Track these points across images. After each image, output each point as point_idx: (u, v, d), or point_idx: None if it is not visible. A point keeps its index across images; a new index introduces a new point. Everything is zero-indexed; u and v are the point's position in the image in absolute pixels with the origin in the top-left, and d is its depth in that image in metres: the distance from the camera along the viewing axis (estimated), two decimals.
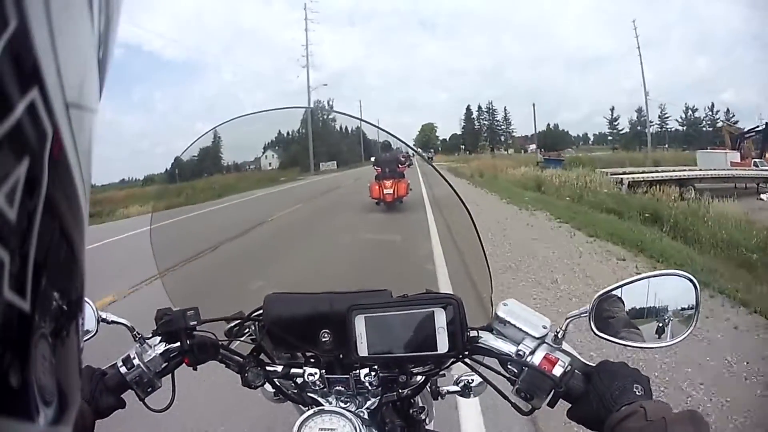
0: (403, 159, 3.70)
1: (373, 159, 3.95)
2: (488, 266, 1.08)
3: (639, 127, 46.15)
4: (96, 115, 0.26)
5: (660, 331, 0.88)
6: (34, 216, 0.21)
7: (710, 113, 44.72)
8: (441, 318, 0.89)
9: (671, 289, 0.89)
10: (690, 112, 44.75)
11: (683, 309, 0.88)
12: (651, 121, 44.47)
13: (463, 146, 51.64)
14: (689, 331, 0.88)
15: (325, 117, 36.48)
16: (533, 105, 46.61)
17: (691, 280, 0.87)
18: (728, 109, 42.01)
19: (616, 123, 48.39)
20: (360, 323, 0.92)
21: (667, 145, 42.84)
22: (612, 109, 48.40)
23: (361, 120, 1.50)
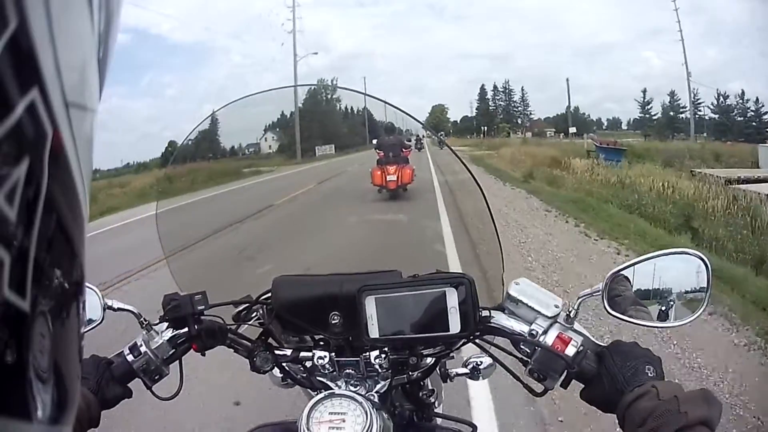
0: (408, 143, 3.63)
1: (375, 142, 3.82)
2: (500, 245, 1.10)
3: (671, 113, 43.55)
4: (96, 115, 0.27)
5: (667, 310, 0.91)
6: (34, 216, 0.22)
7: (740, 101, 42.14)
8: (453, 298, 0.91)
9: (682, 269, 0.90)
10: (722, 99, 41.96)
11: (694, 289, 0.90)
12: (684, 107, 41.23)
13: (484, 127, 49.66)
14: (701, 311, 0.90)
15: (329, 96, 35.22)
16: (567, 80, 43.49)
17: (703, 260, 0.88)
18: (758, 99, 39.53)
19: (648, 107, 44.90)
20: (371, 304, 0.94)
21: (705, 134, 39.42)
22: (644, 92, 45.10)
23: (365, 95, 1.51)
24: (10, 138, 0.20)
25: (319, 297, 1.06)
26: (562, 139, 40.58)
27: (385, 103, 1.29)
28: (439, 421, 1.13)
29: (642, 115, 44.97)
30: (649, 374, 0.82)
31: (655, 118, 44.05)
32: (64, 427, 0.26)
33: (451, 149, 1.30)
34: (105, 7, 0.26)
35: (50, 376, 0.24)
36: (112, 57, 0.29)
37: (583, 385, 0.91)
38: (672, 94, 42.31)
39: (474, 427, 1.11)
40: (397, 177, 3.83)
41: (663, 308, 0.90)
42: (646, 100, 44.40)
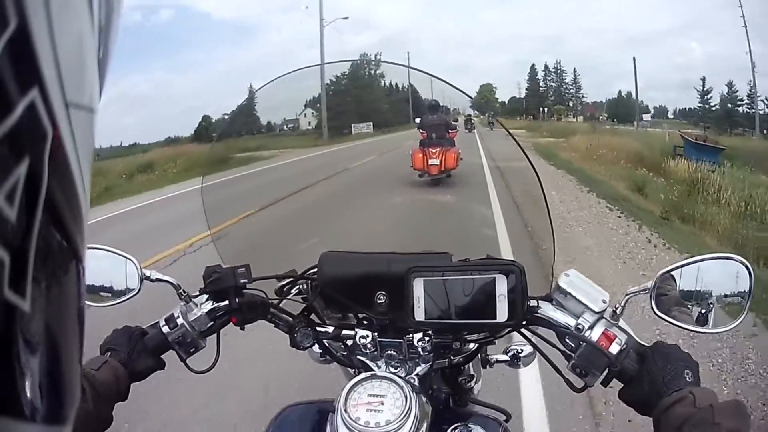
0: (454, 123, 3.45)
1: (417, 121, 3.61)
2: (553, 234, 1.11)
3: (729, 105, 40.85)
4: (96, 114, 0.27)
5: (707, 314, 0.91)
6: (34, 216, 0.22)
7: None
8: (502, 285, 0.92)
9: (725, 274, 0.91)
10: None
11: (731, 295, 0.91)
12: (742, 99, 38.91)
13: (543, 109, 47.89)
14: (742, 317, 0.91)
15: (372, 72, 34.68)
16: (633, 59, 39.67)
17: (746, 267, 0.89)
18: None
19: (708, 97, 42.66)
20: (419, 286, 0.95)
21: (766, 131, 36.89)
22: (704, 80, 42.32)
23: (408, 67, 1.46)
24: (10, 138, 0.20)
25: (366, 275, 1.07)
26: (620, 126, 38.12)
27: (430, 75, 1.26)
28: (474, 406, 1.14)
29: (701, 105, 42.22)
30: (687, 379, 0.84)
31: (713, 109, 41.57)
32: (63, 427, 0.26)
33: (509, 132, 1.29)
34: (105, 7, 0.27)
35: (49, 375, 0.25)
36: (112, 57, 0.29)
37: (621, 384, 0.92)
38: (730, 84, 39.41)
39: (508, 416, 1.12)
40: (441, 161, 3.70)
41: (702, 311, 0.92)
42: (705, 89, 41.51)
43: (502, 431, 1.04)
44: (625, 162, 17.22)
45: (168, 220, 9.23)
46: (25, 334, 0.22)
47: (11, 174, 0.21)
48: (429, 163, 3.61)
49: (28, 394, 0.23)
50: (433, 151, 3.66)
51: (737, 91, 38.52)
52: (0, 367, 0.21)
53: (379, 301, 1.05)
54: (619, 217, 8.53)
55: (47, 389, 0.25)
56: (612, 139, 23.54)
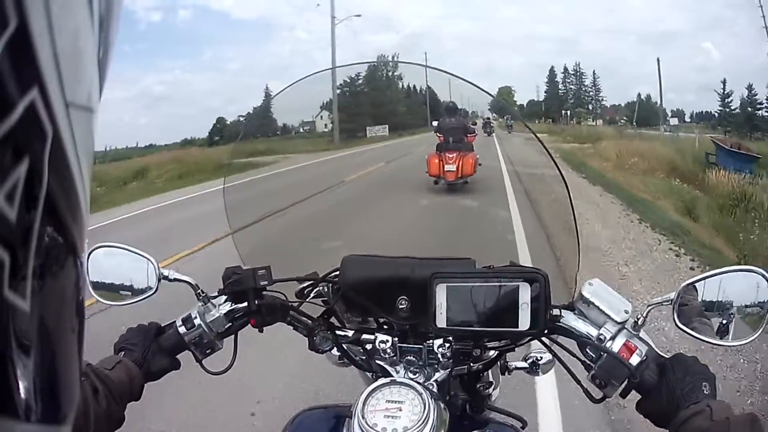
0: (472, 127, 3.33)
1: (435, 124, 3.52)
2: (578, 242, 1.11)
3: (749, 108, 39.62)
4: (96, 115, 0.28)
5: (728, 327, 0.91)
6: (34, 216, 0.22)
7: None
8: (526, 293, 0.92)
9: (747, 286, 0.90)
10: None
11: (751, 306, 0.90)
12: (762, 103, 37.61)
13: (567, 112, 47.20)
14: (760, 329, 0.90)
15: (389, 74, 34.55)
16: (657, 60, 39.84)
17: (767, 279, 0.88)
18: None
19: (728, 100, 41.67)
20: (442, 292, 0.95)
21: None
22: (724, 83, 41.14)
23: (426, 66, 1.47)
24: (10, 138, 0.20)
25: (388, 279, 1.07)
26: (642, 130, 36.37)
27: (448, 73, 1.25)
28: (491, 414, 1.13)
29: (721, 108, 41.10)
30: (705, 392, 0.84)
31: (734, 112, 40.44)
32: (62, 427, 0.26)
33: (537, 136, 1.26)
34: (105, 7, 0.27)
35: (48, 375, 0.25)
36: (112, 57, 0.30)
37: (639, 396, 0.92)
38: (750, 87, 38.32)
39: (524, 423, 1.12)
40: (458, 167, 3.55)
41: (723, 322, 0.91)
42: (726, 92, 40.50)
43: None
44: (659, 172, 15.64)
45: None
46: (24, 334, 0.22)
47: (11, 174, 0.21)
48: (445, 169, 3.48)
49: (25, 394, 0.23)
50: (450, 156, 3.54)
51: (756, 94, 37.39)
52: (1, 369, 0.21)
53: (400, 306, 1.05)
54: (693, 268, 6.10)
55: (45, 389, 0.25)
56: (641, 145, 21.57)
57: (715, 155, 18.38)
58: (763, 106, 36.58)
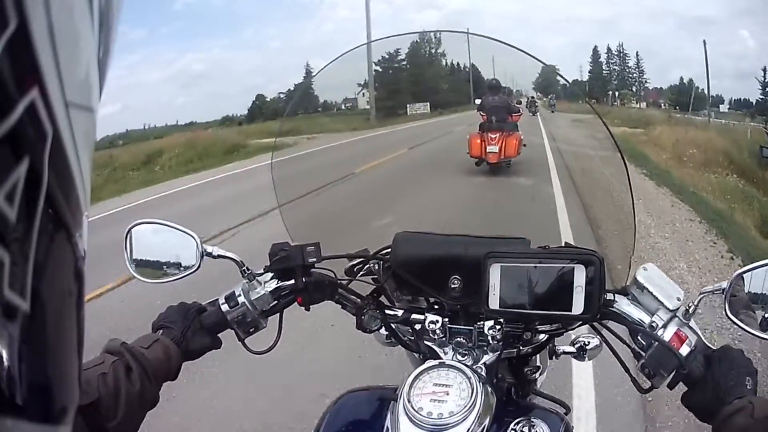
0: (517, 106, 3.19)
1: (478, 102, 3.47)
2: (635, 226, 1.09)
3: None
4: (96, 114, 0.28)
5: (767, 320, 0.89)
6: (34, 216, 0.23)
7: None
8: (581, 276, 0.91)
9: None
10: None
11: None
12: None
13: (615, 92, 45.53)
14: None
15: (433, 50, 33.95)
16: (704, 42, 38.20)
17: None
18: None
19: None
20: (495, 273, 0.94)
21: None
22: (765, 70, 38.82)
23: (468, 33, 1.43)
24: (10, 138, 0.20)
25: (441, 258, 1.06)
26: (685, 115, 35.35)
27: (494, 39, 1.20)
28: (535, 399, 1.13)
29: (763, 97, 38.77)
30: (748, 386, 0.83)
31: None
32: (62, 427, 0.27)
33: (602, 118, 1.23)
34: (105, 7, 0.27)
35: (48, 375, 0.26)
36: (112, 57, 0.30)
37: (686, 388, 0.91)
38: None
39: (568, 409, 1.11)
40: (500, 148, 3.44)
41: (766, 315, 0.90)
42: (767, 80, 38.35)
43: (564, 426, 1.02)
44: (718, 166, 13.94)
45: None
46: (24, 334, 0.23)
47: (11, 174, 0.21)
48: (487, 150, 3.39)
49: (25, 394, 0.23)
50: (493, 136, 3.45)
51: None
52: (1, 369, 0.22)
53: (452, 286, 1.04)
54: None
55: (45, 389, 0.25)
56: (695, 134, 19.52)
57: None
58: None
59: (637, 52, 46.26)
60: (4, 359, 0.22)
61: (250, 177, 10.41)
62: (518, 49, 1.16)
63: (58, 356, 0.27)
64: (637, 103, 43.81)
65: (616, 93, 45.90)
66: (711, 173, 12.86)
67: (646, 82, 46.66)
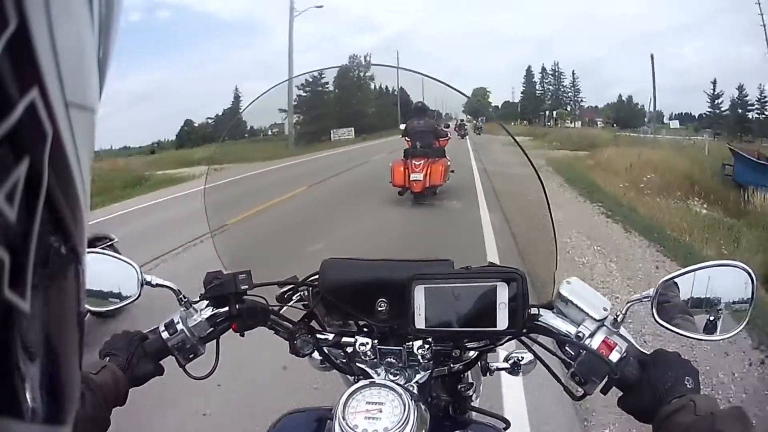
0: (444, 130, 3.05)
1: (402, 127, 3.18)
2: (555, 242, 1.12)
3: (739, 110, 38.13)
4: (96, 114, 0.28)
5: (713, 322, 0.94)
6: (34, 216, 0.23)
7: None
8: (503, 293, 0.94)
9: (727, 281, 0.93)
10: None
11: (737, 302, 0.93)
12: (753, 104, 36.61)
13: (550, 112, 46.23)
14: (742, 324, 0.93)
15: (362, 74, 34.37)
16: (651, 56, 37.40)
17: (748, 272, 0.91)
18: None
19: (719, 102, 39.51)
20: (420, 294, 0.97)
21: None
22: (714, 83, 40.49)
23: (397, 68, 1.56)
24: (10, 138, 0.21)
25: (367, 282, 1.09)
26: (626, 133, 35.55)
27: (421, 74, 1.26)
28: (473, 414, 1.16)
29: (711, 110, 40.61)
30: (688, 386, 0.86)
31: (725, 114, 39.81)
32: (63, 427, 0.27)
33: (512, 135, 1.30)
34: (105, 7, 0.27)
35: (48, 375, 0.25)
36: (112, 57, 0.30)
37: (621, 392, 0.95)
38: (741, 88, 37.17)
39: (507, 423, 1.14)
40: (425, 175, 3.32)
41: (711, 318, 0.94)
42: (715, 93, 39.66)
43: None
44: (678, 190, 12.67)
45: None
46: (25, 335, 0.23)
47: (11, 174, 0.21)
48: (411, 179, 3.23)
49: (28, 395, 0.23)
50: (417, 163, 3.32)
51: (747, 95, 37.42)
52: (1, 369, 0.22)
53: (379, 309, 1.07)
54: None
55: (47, 390, 0.25)
56: (650, 154, 18.41)
57: (732, 166, 15.58)
58: (755, 107, 36.50)
59: (573, 71, 48.19)
60: (4, 360, 0.22)
61: (135, 219, 10.22)
62: (442, 83, 1.21)
63: (59, 356, 0.27)
64: (572, 122, 45.44)
65: (552, 113, 47.44)
66: (679, 200, 11.69)
67: (581, 101, 48.54)
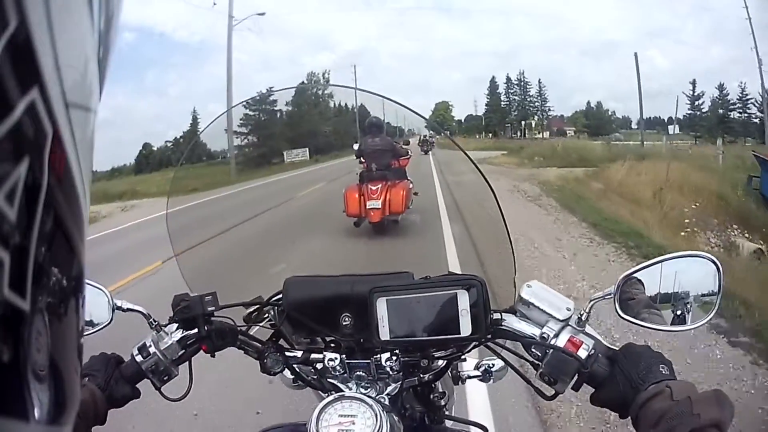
0: (404, 148, 2.72)
1: (356, 147, 2.90)
2: (512, 247, 1.17)
3: (720, 110, 39.32)
4: (96, 115, 0.29)
5: (681, 314, 0.97)
6: (34, 216, 0.24)
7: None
8: (464, 300, 0.97)
9: (693, 272, 0.97)
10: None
11: (704, 293, 0.96)
12: (734, 104, 37.01)
13: (514, 123, 46.44)
14: (711, 315, 0.98)
15: (320, 92, 34.13)
16: (635, 55, 37.84)
17: (714, 263, 0.95)
18: None
19: (699, 103, 40.78)
20: (382, 306, 1.00)
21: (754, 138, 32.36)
22: (693, 84, 40.63)
23: (356, 89, 1.66)
24: (10, 138, 0.22)
25: (330, 298, 1.12)
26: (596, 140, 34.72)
27: (380, 96, 1.33)
28: (449, 423, 1.19)
29: (691, 112, 40.42)
30: (663, 372, 0.88)
31: (704, 115, 39.83)
32: (63, 427, 0.27)
33: (463, 150, 1.34)
34: (105, 7, 0.28)
35: (49, 375, 0.26)
36: (112, 57, 0.31)
37: (593, 390, 0.97)
38: (721, 87, 37.48)
39: (485, 430, 1.16)
40: (384, 202, 3.03)
41: (679, 312, 0.97)
42: (695, 94, 39.40)
43: None
44: (712, 215, 11.06)
45: None
46: (26, 335, 0.23)
47: (11, 174, 0.22)
48: (368, 207, 2.92)
49: (31, 396, 0.24)
50: (374, 188, 3.04)
51: (728, 94, 37.77)
52: (2, 369, 0.22)
53: (344, 323, 1.11)
54: None
55: (49, 390, 0.26)
56: (660, 169, 15.06)
57: (759, 178, 12.88)
58: (736, 106, 36.73)
59: (539, 80, 48.53)
60: (5, 360, 0.22)
61: None
62: (402, 105, 1.27)
63: (59, 356, 0.27)
64: (539, 132, 45.61)
65: (531, 123, 47.41)
66: (719, 232, 9.40)
67: (549, 110, 48.86)
